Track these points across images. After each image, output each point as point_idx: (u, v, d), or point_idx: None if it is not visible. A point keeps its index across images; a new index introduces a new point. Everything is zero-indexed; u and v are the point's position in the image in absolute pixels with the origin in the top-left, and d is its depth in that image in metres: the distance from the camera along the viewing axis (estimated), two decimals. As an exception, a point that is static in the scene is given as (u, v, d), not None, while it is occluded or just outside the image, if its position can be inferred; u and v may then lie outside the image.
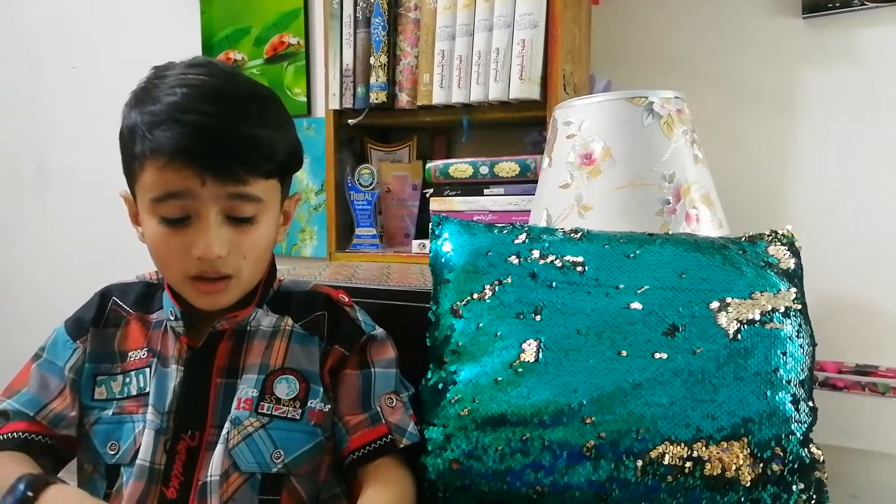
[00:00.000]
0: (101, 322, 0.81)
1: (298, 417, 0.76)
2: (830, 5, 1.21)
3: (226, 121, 0.69)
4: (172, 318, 0.77)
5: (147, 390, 0.76)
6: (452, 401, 0.78)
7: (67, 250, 2.20)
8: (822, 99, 1.26)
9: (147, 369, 0.77)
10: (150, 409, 0.74)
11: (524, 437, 0.74)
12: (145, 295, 0.83)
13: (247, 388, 0.76)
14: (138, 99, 0.71)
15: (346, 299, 0.87)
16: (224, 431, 0.73)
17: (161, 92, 0.69)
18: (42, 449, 0.76)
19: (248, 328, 0.79)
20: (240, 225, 0.73)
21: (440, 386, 0.81)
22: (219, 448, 0.73)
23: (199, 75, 0.71)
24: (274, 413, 0.75)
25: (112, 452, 0.74)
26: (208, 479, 0.72)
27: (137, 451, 0.73)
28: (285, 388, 0.77)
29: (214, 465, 0.72)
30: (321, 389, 0.78)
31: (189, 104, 0.68)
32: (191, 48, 1.87)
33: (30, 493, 0.63)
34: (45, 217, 2.25)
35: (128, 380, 0.78)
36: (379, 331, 0.85)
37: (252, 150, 0.70)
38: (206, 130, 0.67)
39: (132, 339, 0.80)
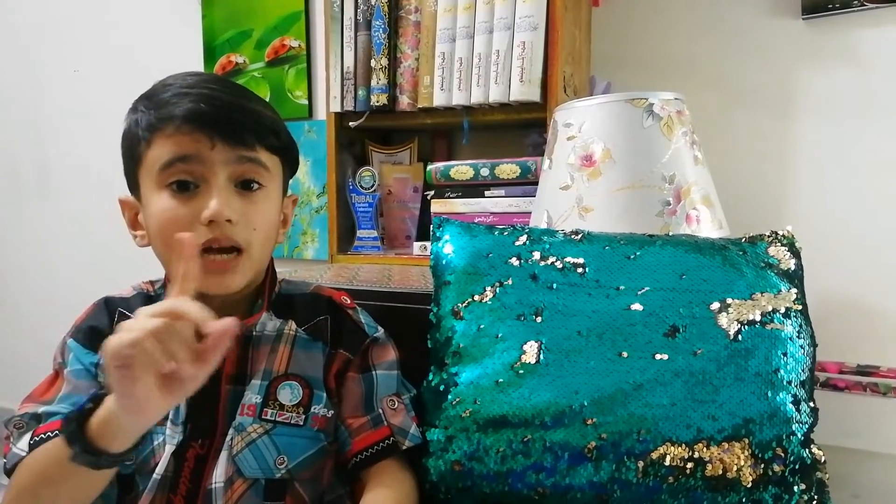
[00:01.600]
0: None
1: (302, 423, 0.76)
2: (830, 6, 1.21)
3: (234, 98, 0.73)
4: None
5: None
6: (454, 402, 0.78)
7: (68, 251, 2.20)
8: (822, 99, 1.26)
9: None
10: (168, 423, 0.72)
11: (525, 439, 0.74)
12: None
13: (251, 395, 0.76)
14: (142, 97, 0.74)
15: (349, 301, 0.87)
16: (228, 438, 0.73)
17: (168, 83, 0.73)
18: None
19: (254, 333, 0.79)
20: (248, 194, 0.74)
21: (441, 388, 0.81)
22: (223, 455, 0.73)
23: (200, 74, 0.76)
24: (277, 419, 0.75)
25: (128, 462, 0.72)
26: (213, 485, 0.72)
27: (155, 464, 0.71)
28: (288, 394, 0.77)
29: (219, 471, 0.72)
30: (324, 395, 0.78)
31: (198, 84, 0.72)
32: (192, 51, 1.87)
33: (89, 405, 0.61)
34: (45, 218, 2.25)
35: None
36: (380, 332, 0.85)
37: (259, 121, 0.74)
38: (216, 100, 0.71)
39: None
